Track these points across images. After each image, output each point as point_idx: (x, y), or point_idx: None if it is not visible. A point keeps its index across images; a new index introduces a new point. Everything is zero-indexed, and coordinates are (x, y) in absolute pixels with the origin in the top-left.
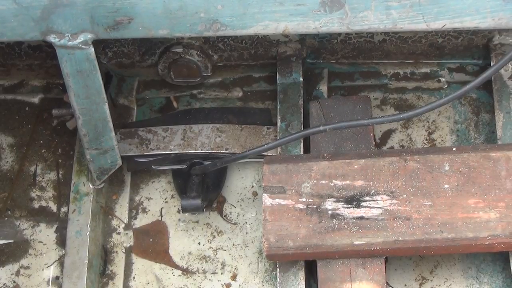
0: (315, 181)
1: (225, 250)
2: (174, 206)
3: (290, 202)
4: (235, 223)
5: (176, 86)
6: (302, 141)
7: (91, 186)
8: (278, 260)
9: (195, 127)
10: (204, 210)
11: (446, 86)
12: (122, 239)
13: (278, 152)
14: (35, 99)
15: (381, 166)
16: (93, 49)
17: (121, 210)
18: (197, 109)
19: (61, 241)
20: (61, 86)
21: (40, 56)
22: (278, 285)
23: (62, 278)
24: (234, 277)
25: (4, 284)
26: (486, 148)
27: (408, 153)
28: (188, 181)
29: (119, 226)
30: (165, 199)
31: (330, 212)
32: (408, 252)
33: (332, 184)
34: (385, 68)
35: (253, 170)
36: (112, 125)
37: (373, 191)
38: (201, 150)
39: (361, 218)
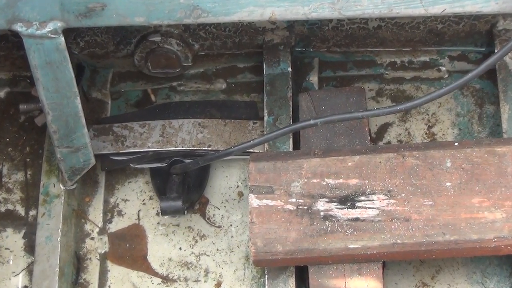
0: (305, 180)
1: (209, 256)
2: (153, 208)
3: (278, 203)
4: (219, 226)
5: (154, 78)
6: (291, 136)
7: (62, 187)
8: (266, 266)
9: (174, 122)
10: (186, 212)
11: (446, 75)
12: (96, 245)
13: (265, 149)
14: (1, 93)
15: (377, 163)
16: (63, 38)
17: (95, 213)
18: (177, 103)
19: (30, 248)
20: (28, 79)
21: (6, 47)
22: None
23: (31, 287)
24: (218, 285)
25: None
26: (491, 143)
27: (407, 148)
28: (168, 181)
29: (92, 231)
30: (143, 200)
31: (322, 213)
32: (407, 256)
33: (324, 183)
34: (381, 56)
35: (238, 169)
36: (84, 120)
37: (368, 190)
38: (182, 147)
39: (356, 219)
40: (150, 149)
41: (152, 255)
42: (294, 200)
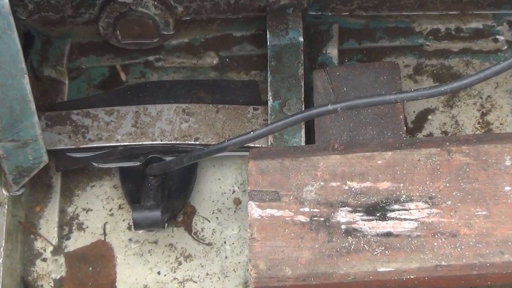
0: (322, 183)
1: (196, 282)
2: (123, 220)
3: (287, 213)
4: (209, 244)
5: (124, 50)
6: (304, 126)
7: (5, 193)
8: None
9: (151, 108)
10: (166, 225)
11: (505, 47)
12: (50, 268)
13: (269, 143)
14: None
15: (415, 161)
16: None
17: (48, 226)
18: (154, 83)
19: None
20: None
21: None
22: None
23: None
24: None
25: None
26: None
27: (453, 142)
28: (143, 185)
29: (45, 250)
30: (110, 210)
31: (344, 226)
32: (454, 282)
33: (346, 187)
34: (420, 22)
35: (234, 169)
36: (34, 106)
37: (404, 196)
38: (161, 140)
39: (388, 234)
40: (119, 144)
41: (122, 281)
42: (307, 209)
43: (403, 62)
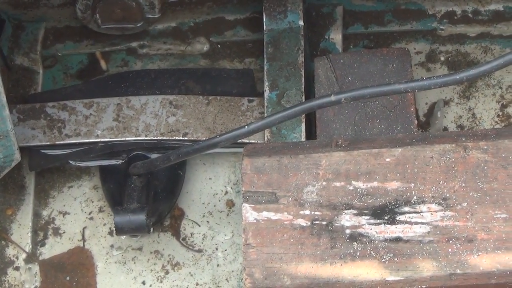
0: (324, 183)
1: None
2: (104, 224)
3: (285, 216)
4: (199, 250)
5: (104, 36)
6: (304, 120)
7: None
8: None
9: (135, 100)
10: (152, 230)
11: None
12: (23, 278)
13: (266, 139)
14: None
15: (427, 158)
16: None
17: (21, 231)
18: (138, 72)
19: None
20: None
21: None
22: None
23: None
24: None
25: None
26: None
27: (470, 137)
28: (126, 186)
29: (17, 258)
30: (90, 213)
31: (348, 231)
32: None
33: (351, 188)
34: (433, 4)
35: (226, 167)
36: (5, 98)
37: (415, 197)
38: (145, 136)
39: (398, 240)
40: (99, 140)
41: None
42: (307, 212)
43: (415, 49)
